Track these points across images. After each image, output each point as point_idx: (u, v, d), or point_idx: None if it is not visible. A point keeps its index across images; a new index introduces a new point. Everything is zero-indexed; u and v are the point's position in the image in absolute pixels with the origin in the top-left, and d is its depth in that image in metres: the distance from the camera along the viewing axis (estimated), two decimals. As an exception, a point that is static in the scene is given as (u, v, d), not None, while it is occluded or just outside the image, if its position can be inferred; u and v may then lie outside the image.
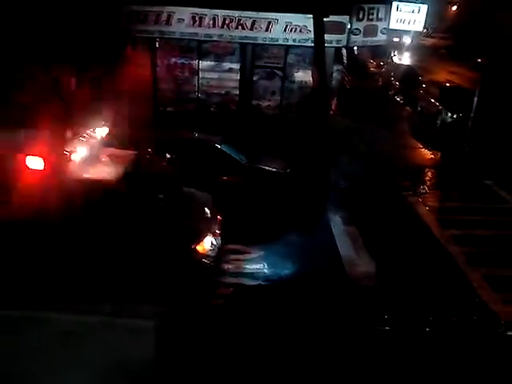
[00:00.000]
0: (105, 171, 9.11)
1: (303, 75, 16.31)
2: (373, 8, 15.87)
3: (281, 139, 14.07)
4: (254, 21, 15.16)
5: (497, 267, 10.25)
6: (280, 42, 15.55)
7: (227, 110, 16.28)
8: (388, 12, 16.90)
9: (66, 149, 8.80)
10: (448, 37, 41.55)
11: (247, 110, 16.20)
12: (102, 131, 10.55)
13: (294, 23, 15.22)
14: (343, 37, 15.45)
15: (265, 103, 16.66)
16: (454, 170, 15.29)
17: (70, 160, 8.89)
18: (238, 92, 16.38)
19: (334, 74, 18.03)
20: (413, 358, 5.76)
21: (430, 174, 15.54)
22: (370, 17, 15.78)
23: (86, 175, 8.88)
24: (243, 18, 15.11)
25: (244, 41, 15.55)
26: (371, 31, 16.09)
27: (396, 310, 6.36)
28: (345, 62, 19.52)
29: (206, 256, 8.69)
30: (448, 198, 13.70)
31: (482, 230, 11.76)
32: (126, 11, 14.71)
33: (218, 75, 16.22)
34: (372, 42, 16.68)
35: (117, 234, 7.85)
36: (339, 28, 15.12)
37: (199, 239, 8.74)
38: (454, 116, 18.85)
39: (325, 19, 13.64)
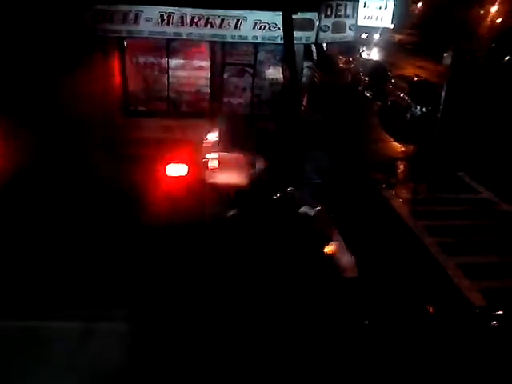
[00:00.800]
0: (234, 175, 9.48)
1: (274, 72, 16.32)
2: (341, 5, 15.98)
3: (252, 136, 14.04)
4: (223, 19, 15.09)
5: (471, 255, 10.45)
6: (249, 39, 15.51)
7: (199, 108, 16.18)
8: (356, 8, 17.03)
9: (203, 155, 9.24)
10: (414, 33, 42.14)
11: (218, 108, 16.12)
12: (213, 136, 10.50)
13: (262, 21, 15.21)
14: (312, 33, 15.50)
15: (236, 100, 16.61)
16: (426, 162, 15.53)
17: (207, 166, 9.30)
18: (208, 90, 16.30)
19: (304, 71, 18.06)
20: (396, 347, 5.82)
21: (402, 166, 15.77)
22: (338, 13, 15.88)
23: (221, 180, 9.27)
24: (212, 16, 15.02)
25: (213, 39, 15.46)
26: (340, 28, 16.20)
27: (377, 302, 6.42)
28: (314, 58, 19.59)
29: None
30: (421, 190, 13.91)
31: (455, 220, 11.99)
32: (93, 11, 14.48)
33: (188, 73, 16.10)
34: (341, 39, 16.80)
35: (252, 235, 7.85)
36: (308, 25, 15.17)
37: (328, 241, 8.62)
38: (423, 109, 19.16)
39: (293, 16, 13.70)
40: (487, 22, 40.22)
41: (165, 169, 8.87)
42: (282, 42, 14.02)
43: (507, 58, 33.96)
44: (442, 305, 6.52)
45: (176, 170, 8.83)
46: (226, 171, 9.60)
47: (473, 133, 15.76)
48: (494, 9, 42.47)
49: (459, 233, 11.37)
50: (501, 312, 6.57)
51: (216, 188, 8.84)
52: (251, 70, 16.37)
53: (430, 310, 6.33)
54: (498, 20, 43.69)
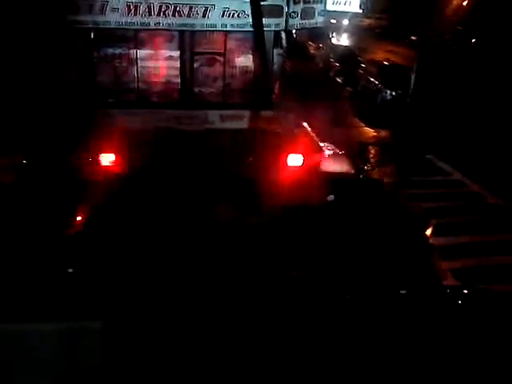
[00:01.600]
0: (343, 164, 10.40)
1: (245, 60, 16.24)
2: (308, -10, 15.98)
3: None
4: (191, 7, 14.93)
5: (441, 236, 10.65)
6: (218, 27, 15.39)
7: (169, 99, 16.04)
8: (324, -6, 17.06)
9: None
10: (383, 17, 42.39)
11: (190, 98, 16.02)
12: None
13: (231, 8, 15.10)
14: (281, 20, 15.47)
15: (208, 90, 16.51)
16: (397, 146, 15.74)
17: (323, 156, 9.84)
18: (178, 80, 16.16)
19: (275, 58, 18.04)
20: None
21: (374, 151, 15.94)
22: (307, -1, 15.88)
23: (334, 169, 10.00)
24: (179, 5, 14.85)
25: (181, 28, 15.30)
26: (309, 14, 16.19)
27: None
28: (284, 45, 19.58)
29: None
30: (392, 174, 14.10)
31: (425, 202, 12.18)
32: (58, 2, 14.19)
33: (158, 64, 15.93)
34: (310, 25, 16.80)
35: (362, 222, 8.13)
36: (277, 11, 15.13)
37: (428, 224, 8.75)
38: (394, 93, 19.37)
39: (262, 3, 13.67)
40: (454, 5, 40.65)
41: (286, 159, 9.44)
42: (252, 29, 13.98)
43: (474, 40, 34.48)
44: (415, 284, 6.67)
45: (294, 160, 9.46)
46: (337, 161, 10.38)
47: (441, 115, 15.99)
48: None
49: (430, 215, 11.56)
50: (471, 289, 6.74)
51: (328, 175, 9.36)
52: (221, 59, 16.27)
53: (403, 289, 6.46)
54: (464, 2, 44.22)
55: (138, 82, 15.96)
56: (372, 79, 20.87)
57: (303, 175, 8.98)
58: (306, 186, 8.49)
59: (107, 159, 9.14)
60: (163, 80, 16.14)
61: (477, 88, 19.40)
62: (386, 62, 23.43)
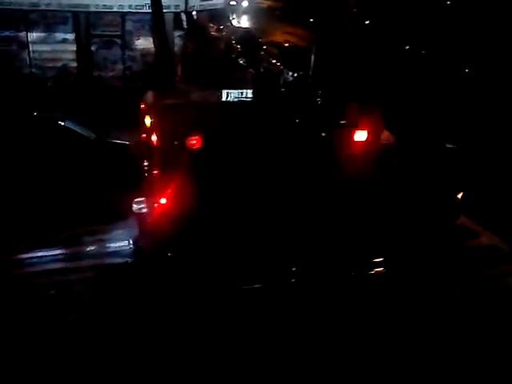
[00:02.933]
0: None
1: (144, 42, 15.88)
2: (208, -29, 15.84)
3: (127, 110, 13.63)
4: (85, -13, 14.29)
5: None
6: (115, 9, 14.87)
7: (66, 84, 15.27)
8: (222, -25, 16.99)
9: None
10: (282, -1, 43.02)
11: (88, 82, 15.36)
12: None
13: (128, -11, 14.65)
14: (181, 1, 15.25)
15: (108, 74, 15.93)
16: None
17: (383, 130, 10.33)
18: (76, 64, 15.44)
19: (176, 40, 17.78)
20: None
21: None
22: (206, -20, 15.76)
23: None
24: (72, -16, 14.15)
25: (75, 9, 14.59)
26: (208, -5, 16.10)
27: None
28: (185, 27, 19.28)
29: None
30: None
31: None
32: None
33: (52, 47, 15.08)
34: (210, 6, 16.72)
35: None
36: (176, -8, 14.89)
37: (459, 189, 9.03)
38: (295, 75, 19.75)
39: (159, -17, 13.35)
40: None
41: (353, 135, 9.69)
42: (150, 10, 13.65)
43: (367, 22, 35.95)
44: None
45: (360, 135, 9.80)
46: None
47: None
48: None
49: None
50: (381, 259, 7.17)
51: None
52: (120, 41, 15.76)
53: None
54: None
55: (30, 66, 15.06)
56: (274, 61, 21.14)
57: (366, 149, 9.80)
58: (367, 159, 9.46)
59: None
60: (59, 64, 15.35)
61: (370, 67, 20.29)
62: (286, 44, 23.82)
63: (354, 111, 9.90)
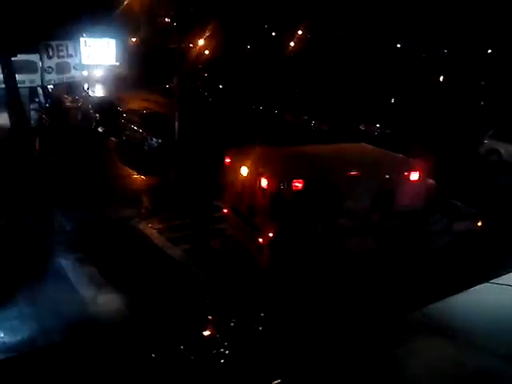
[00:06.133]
0: None
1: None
2: (61, 45, 15.71)
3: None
4: None
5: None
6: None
7: None
8: (78, 48, 16.97)
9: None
10: (136, 66, 43.62)
11: None
12: None
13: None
14: (37, 76, 14.88)
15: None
16: (171, 190, 16.23)
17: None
18: None
19: (32, 114, 17.21)
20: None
21: (150, 197, 16.13)
22: (61, 54, 15.58)
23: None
24: None
25: None
26: (64, 68, 15.91)
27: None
28: (42, 100, 18.79)
29: None
30: (174, 217, 14.46)
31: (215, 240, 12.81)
32: None
33: None
34: (68, 79, 16.51)
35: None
36: (31, 67, 14.54)
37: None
38: (159, 140, 20.00)
39: (13, 58, 12.99)
40: (200, 55, 44.24)
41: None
42: (4, 86, 13.19)
43: (221, 86, 37.83)
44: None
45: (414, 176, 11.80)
46: None
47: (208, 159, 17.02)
48: (201, 42, 46.94)
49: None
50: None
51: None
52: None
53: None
54: (206, 52, 48.43)
55: None
56: (136, 128, 21.18)
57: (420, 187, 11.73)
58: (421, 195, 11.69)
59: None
60: None
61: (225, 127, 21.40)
62: (145, 111, 24.01)
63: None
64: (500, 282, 9.34)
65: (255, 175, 10.65)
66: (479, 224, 12.81)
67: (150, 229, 13.71)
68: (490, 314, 8.68)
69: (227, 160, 11.82)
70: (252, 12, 47.72)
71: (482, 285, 9.55)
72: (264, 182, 10.29)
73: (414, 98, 32.99)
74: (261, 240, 10.42)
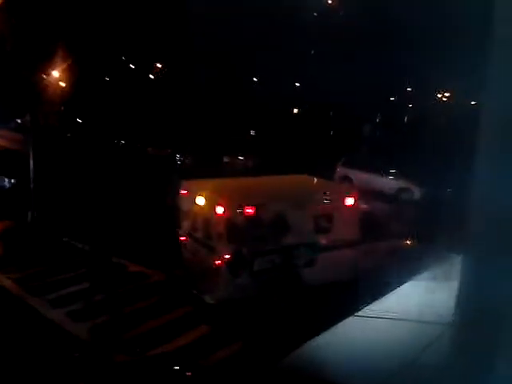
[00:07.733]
0: None
1: None
2: None
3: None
4: None
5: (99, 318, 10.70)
6: None
7: None
8: None
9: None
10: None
11: None
12: None
13: None
14: None
15: None
16: (29, 234, 15.13)
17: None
18: None
19: None
20: None
21: (5, 244, 14.82)
22: None
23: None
24: None
25: None
26: None
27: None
28: None
29: None
30: (32, 265, 13.43)
31: (74, 286, 12.06)
32: None
33: None
34: None
35: None
36: None
37: None
38: (13, 181, 18.67)
39: None
40: (56, 87, 42.02)
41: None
42: None
43: (80, 120, 36.34)
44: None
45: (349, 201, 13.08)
46: None
47: (68, 197, 16.23)
48: (56, 74, 44.63)
49: (83, 297, 11.44)
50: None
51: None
52: None
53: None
54: (63, 84, 46.18)
55: None
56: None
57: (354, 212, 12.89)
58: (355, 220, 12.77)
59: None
60: None
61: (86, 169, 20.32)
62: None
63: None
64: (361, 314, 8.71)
65: (211, 203, 11.75)
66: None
67: (6, 279, 12.57)
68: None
69: (183, 192, 12.84)
70: (107, 43, 46.89)
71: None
72: (220, 210, 11.44)
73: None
74: (218, 262, 11.41)
